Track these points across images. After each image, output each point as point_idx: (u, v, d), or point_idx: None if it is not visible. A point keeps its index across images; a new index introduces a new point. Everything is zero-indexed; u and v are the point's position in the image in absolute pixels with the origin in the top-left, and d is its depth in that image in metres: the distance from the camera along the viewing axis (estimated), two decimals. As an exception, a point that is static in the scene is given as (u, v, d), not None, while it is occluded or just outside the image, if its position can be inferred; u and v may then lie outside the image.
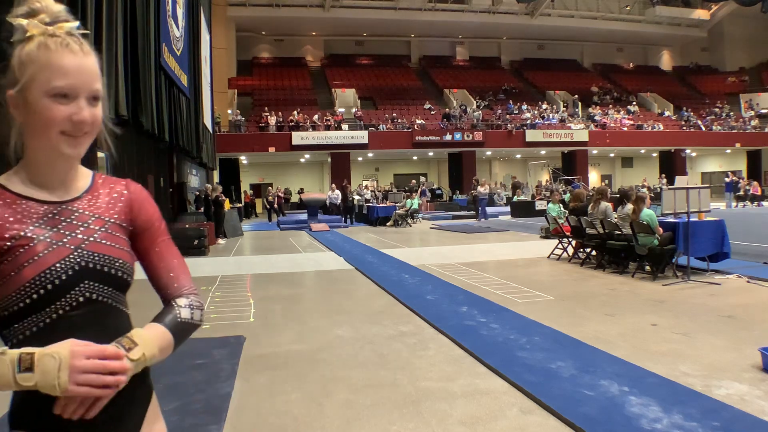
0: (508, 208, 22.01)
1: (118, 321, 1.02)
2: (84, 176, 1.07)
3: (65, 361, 0.86)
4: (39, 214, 0.98)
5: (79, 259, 0.97)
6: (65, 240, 0.98)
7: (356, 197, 20.96)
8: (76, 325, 0.96)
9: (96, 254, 0.99)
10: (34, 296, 0.93)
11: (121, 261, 1.02)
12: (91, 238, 1.01)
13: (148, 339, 0.97)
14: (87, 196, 1.05)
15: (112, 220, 1.05)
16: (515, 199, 23.30)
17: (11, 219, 0.96)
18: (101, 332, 0.97)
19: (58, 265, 0.95)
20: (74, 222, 1.01)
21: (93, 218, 1.03)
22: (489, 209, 22.57)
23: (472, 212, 20.03)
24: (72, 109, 0.96)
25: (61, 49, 0.96)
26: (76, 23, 1.01)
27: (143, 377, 1.03)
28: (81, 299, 0.97)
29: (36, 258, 0.94)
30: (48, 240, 0.96)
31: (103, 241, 1.02)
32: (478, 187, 19.53)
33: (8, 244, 0.94)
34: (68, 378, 0.85)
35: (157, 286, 1.10)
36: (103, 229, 1.03)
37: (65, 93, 0.96)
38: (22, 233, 0.95)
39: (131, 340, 0.95)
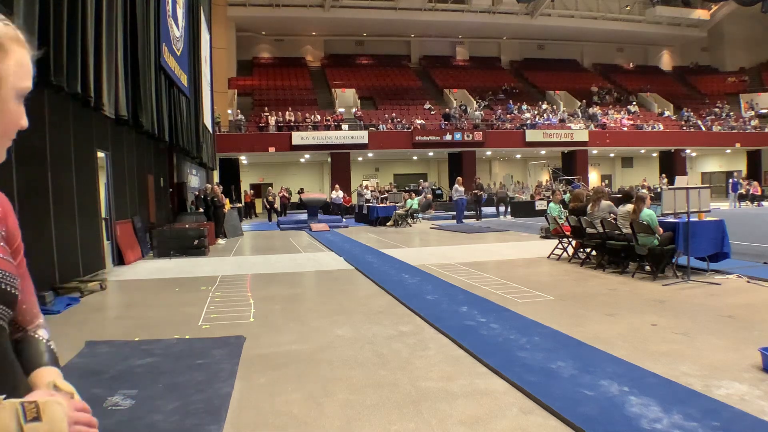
0: (503, 209, 21.85)
1: (6, 341, 0.89)
2: None
3: (66, 410, 0.80)
4: None
5: None
6: None
7: (367, 194, 20.72)
8: None
9: (2, 272, 0.86)
10: None
11: (13, 277, 0.88)
12: None
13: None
14: None
15: (2, 231, 0.91)
16: (515, 199, 23.23)
17: None
18: (1, 356, 0.87)
19: None
20: None
21: None
22: (489, 209, 22.51)
23: (473, 212, 19.96)
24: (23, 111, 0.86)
25: (21, 43, 0.85)
26: None
27: None
28: None
29: None
30: None
31: (2, 256, 0.88)
32: (455, 185, 18.83)
33: None
34: (67, 428, 0.79)
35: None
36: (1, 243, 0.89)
37: (24, 95, 0.84)
38: None
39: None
